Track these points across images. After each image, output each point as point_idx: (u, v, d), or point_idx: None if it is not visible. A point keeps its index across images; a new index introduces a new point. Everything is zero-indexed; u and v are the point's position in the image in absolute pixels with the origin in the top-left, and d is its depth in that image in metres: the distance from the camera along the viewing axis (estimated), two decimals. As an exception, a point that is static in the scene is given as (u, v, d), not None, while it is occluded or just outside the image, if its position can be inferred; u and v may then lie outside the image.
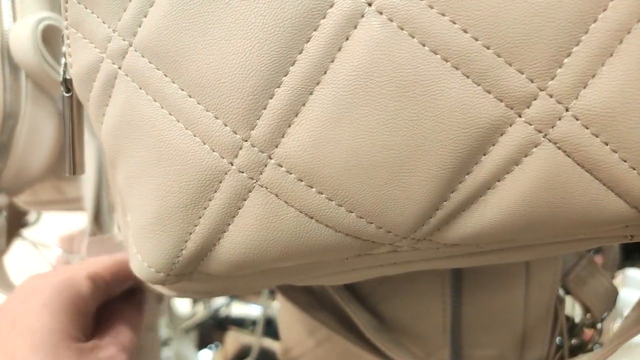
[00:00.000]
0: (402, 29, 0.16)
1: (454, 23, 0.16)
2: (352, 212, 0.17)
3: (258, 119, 0.17)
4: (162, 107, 0.18)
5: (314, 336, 0.40)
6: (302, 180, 0.17)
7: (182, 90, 0.18)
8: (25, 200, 0.56)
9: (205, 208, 0.18)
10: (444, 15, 0.16)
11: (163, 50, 0.18)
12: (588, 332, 0.39)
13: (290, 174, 0.17)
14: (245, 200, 0.18)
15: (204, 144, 0.18)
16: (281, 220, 0.18)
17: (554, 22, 0.16)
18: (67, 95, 0.22)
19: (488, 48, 0.16)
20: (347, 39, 0.16)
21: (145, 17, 0.18)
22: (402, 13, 0.16)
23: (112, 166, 0.20)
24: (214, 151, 0.18)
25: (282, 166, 0.17)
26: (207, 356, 0.78)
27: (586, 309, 0.37)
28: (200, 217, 0.18)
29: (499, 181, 0.17)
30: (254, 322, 0.95)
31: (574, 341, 0.39)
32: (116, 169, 0.20)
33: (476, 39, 0.16)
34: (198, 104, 0.17)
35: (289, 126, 0.17)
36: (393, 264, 0.23)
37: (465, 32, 0.16)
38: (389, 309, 0.36)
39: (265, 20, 0.16)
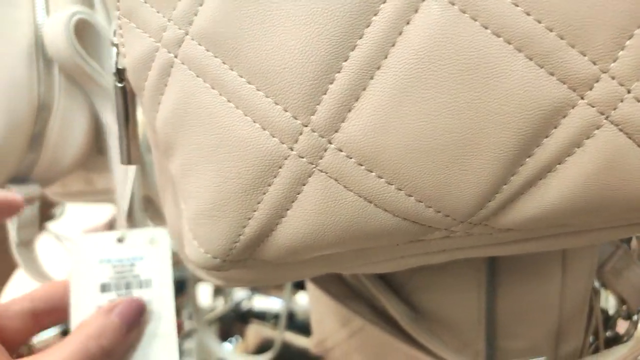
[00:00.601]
0: (464, 12, 0.16)
1: (517, 6, 0.16)
2: (411, 195, 0.18)
3: (318, 104, 0.17)
4: (220, 95, 0.18)
5: (348, 327, 0.40)
6: (362, 165, 0.17)
7: (241, 77, 0.18)
8: (54, 191, 0.57)
9: (264, 193, 0.18)
10: (507, -3, 0.16)
11: (221, 38, 0.18)
12: (623, 324, 0.38)
13: (350, 158, 0.17)
14: (304, 185, 0.18)
15: (264, 129, 0.18)
16: (340, 205, 0.18)
17: (616, 4, 0.16)
18: (120, 85, 0.22)
19: (551, 30, 0.16)
20: (408, 23, 0.16)
21: (201, 5, 0.18)
22: (464, -4, 0.16)
23: (166, 155, 0.21)
24: (273, 137, 0.18)
25: (342, 151, 0.17)
26: (227, 349, 0.78)
27: (622, 301, 0.37)
28: (259, 203, 0.19)
29: (560, 164, 0.17)
30: (275, 316, 0.96)
31: (608, 333, 0.39)
32: (171, 157, 0.20)
33: (539, 21, 0.16)
34: (258, 90, 0.18)
35: (349, 111, 0.17)
36: (442, 251, 0.23)
37: (528, 14, 0.16)
38: (424, 300, 0.36)
39: (326, 5, 0.17)
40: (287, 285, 0.74)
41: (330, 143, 0.17)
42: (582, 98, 0.16)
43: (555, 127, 0.17)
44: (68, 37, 0.40)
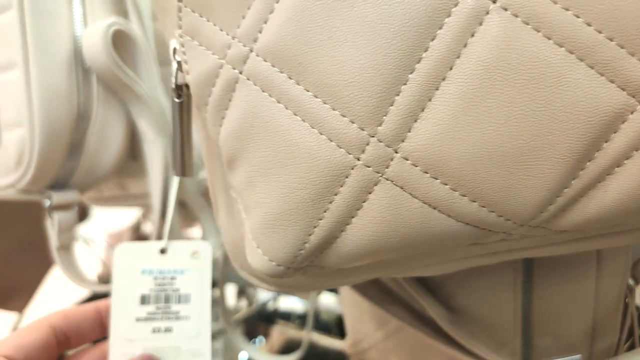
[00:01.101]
0: (527, 24, 0.17)
1: (578, 17, 0.16)
2: (474, 201, 0.18)
3: (385, 115, 0.18)
4: (286, 108, 0.19)
5: (384, 329, 0.41)
6: (427, 173, 0.18)
7: (308, 91, 0.19)
8: (89, 196, 0.58)
9: (330, 202, 0.19)
10: (567, 10, 0.16)
11: (286, 53, 0.19)
12: (658, 321, 0.39)
13: (416, 166, 0.18)
14: (370, 193, 0.19)
15: (331, 141, 0.18)
16: (405, 212, 0.19)
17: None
18: (178, 101, 0.23)
19: (611, 40, 0.16)
20: (473, 35, 0.17)
21: (266, 23, 0.19)
22: (526, 9, 0.17)
23: (229, 167, 0.21)
24: (340, 148, 0.18)
25: (408, 159, 0.18)
26: (256, 349, 0.79)
27: (656, 297, 0.37)
28: (325, 211, 0.19)
29: (618, 167, 0.18)
30: (299, 317, 0.97)
31: (643, 330, 0.39)
32: (234, 169, 0.21)
33: (600, 32, 0.16)
34: (324, 103, 0.18)
35: (416, 121, 0.18)
36: (493, 254, 0.24)
37: (589, 25, 0.16)
38: (461, 301, 0.37)
39: (391, 20, 0.17)
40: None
41: (397, 152, 0.18)
42: (641, 103, 0.17)
43: (615, 132, 0.17)
44: (106, 47, 0.41)
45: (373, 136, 0.18)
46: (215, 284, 1.15)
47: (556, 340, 0.37)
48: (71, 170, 0.47)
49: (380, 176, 0.19)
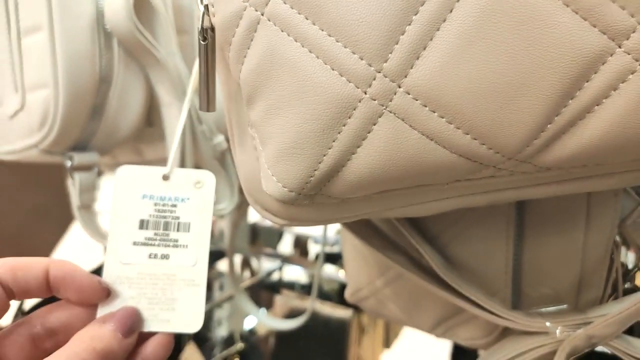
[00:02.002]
0: (520, -28, 0.18)
1: (566, -34, 0.18)
2: (468, 134, 0.20)
3: (390, 53, 0.20)
4: (303, 46, 0.21)
5: (384, 277, 0.43)
6: (426, 106, 0.20)
7: (322, 30, 0.21)
8: (105, 162, 0.60)
9: (339, 132, 0.21)
10: (557, -41, 0.18)
11: (304, -4, 0.21)
12: (641, 277, 0.41)
13: (416, 100, 0.20)
14: (375, 124, 0.21)
15: (341, 76, 0.21)
16: (405, 142, 0.21)
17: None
18: (204, 43, 0.25)
19: (595, -13, 0.18)
20: (471, -18, 0.19)
21: (286, -31, 0.21)
22: (520, -42, 0.18)
23: (248, 102, 0.24)
24: (349, 82, 0.21)
25: (409, 94, 0.20)
26: (263, 314, 0.82)
27: (641, 254, 0.40)
28: (334, 141, 0.21)
29: (597, 105, 0.20)
30: (302, 287, 1.00)
31: (627, 285, 0.41)
32: (253, 104, 0.23)
33: (585, -20, 0.18)
34: (337, 41, 0.20)
35: (418, 58, 0.20)
36: (484, 193, 0.26)
37: (576, -27, 0.18)
38: (456, 251, 0.39)
39: (399, -33, 0.19)
40: (319, 257, 0.77)
41: (400, 87, 0.20)
42: (620, 47, 0.19)
43: (595, 72, 0.19)
44: (128, 12, 0.43)
45: (379, 72, 0.20)
46: (223, 254, 1.18)
47: (544, 291, 0.40)
48: (92, 133, 0.48)
49: (384, 109, 0.21)
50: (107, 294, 0.30)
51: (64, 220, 0.81)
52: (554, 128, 0.20)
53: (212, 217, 0.32)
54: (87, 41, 0.44)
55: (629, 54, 0.19)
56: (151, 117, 0.52)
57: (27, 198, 0.74)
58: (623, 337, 0.35)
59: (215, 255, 1.12)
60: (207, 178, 0.33)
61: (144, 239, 0.32)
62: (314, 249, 1.31)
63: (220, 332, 1.13)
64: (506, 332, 0.42)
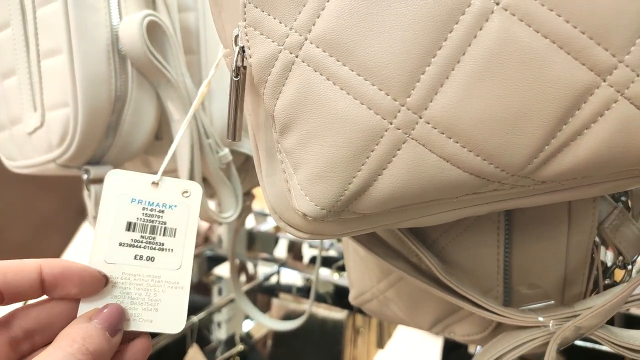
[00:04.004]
0: (521, 20, 0.21)
1: (559, 16, 0.21)
2: (478, 155, 0.23)
3: (413, 90, 0.23)
4: (334, 84, 0.24)
5: (385, 280, 0.46)
6: (443, 134, 0.23)
7: (352, 71, 0.23)
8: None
9: (367, 157, 0.24)
10: (552, 10, 0.21)
11: (336, 41, 0.23)
12: (619, 273, 0.44)
13: (435, 129, 0.23)
14: (399, 150, 0.24)
15: (370, 109, 0.23)
16: (425, 164, 0.24)
17: (628, 14, 0.21)
18: (236, 79, 0.27)
19: (584, 33, 0.21)
20: (481, 29, 0.22)
21: (319, 17, 0.24)
22: (521, 9, 0.21)
23: (282, 133, 0.26)
24: (377, 114, 0.23)
25: (429, 123, 0.23)
26: (263, 316, 0.84)
27: (618, 253, 0.43)
28: (362, 165, 0.24)
29: (587, 129, 0.23)
30: (298, 290, 1.01)
31: (607, 281, 0.45)
32: (286, 134, 0.26)
33: (575, 27, 0.21)
34: (365, 80, 0.23)
35: (436, 94, 0.23)
36: (487, 204, 0.28)
37: (567, 22, 0.21)
38: (452, 254, 0.42)
39: (419, 17, 0.22)
40: (317, 260, 0.79)
41: (421, 118, 0.23)
42: (604, 81, 0.22)
43: (585, 102, 0.22)
44: (141, 36, 0.45)
45: (403, 105, 0.23)
46: (221, 259, 1.19)
47: (533, 288, 0.43)
48: (107, 148, 0.50)
49: (407, 136, 0.23)
50: (106, 281, 0.30)
51: (69, 229, 0.81)
52: (551, 149, 0.23)
53: (197, 225, 0.33)
54: (104, 63, 0.46)
55: (611, 87, 0.22)
56: (160, 131, 0.54)
57: (34, 208, 0.75)
58: (606, 327, 0.38)
59: (213, 261, 1.13)
60: (194, 188, 0.33)
61: (131, 240, 0.31)
62: (307, 253, 1.33)
63: (221, 334, 1.14)
64: (500, 328, 0.45)
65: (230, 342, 0.93)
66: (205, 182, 0.57)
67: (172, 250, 0.32)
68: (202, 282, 1.18)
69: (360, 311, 1.27)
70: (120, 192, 0.32)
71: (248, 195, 0.78)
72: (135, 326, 0.30)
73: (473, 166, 0.24)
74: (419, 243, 0.41)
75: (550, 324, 0.38)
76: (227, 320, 1.11)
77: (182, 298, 0.31)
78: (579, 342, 0.69)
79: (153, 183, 0.33)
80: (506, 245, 0.42)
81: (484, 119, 0.22)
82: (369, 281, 0.47)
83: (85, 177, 0.50)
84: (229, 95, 0.28)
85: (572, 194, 0.28)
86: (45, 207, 0.82)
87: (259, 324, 1.35)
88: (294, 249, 1.35)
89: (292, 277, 1.10)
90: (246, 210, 0.80)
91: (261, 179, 0.31)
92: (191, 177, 0.52)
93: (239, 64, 0.27)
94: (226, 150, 0.57)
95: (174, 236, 0.32)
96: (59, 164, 0.49)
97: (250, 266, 1.25)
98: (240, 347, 0.92)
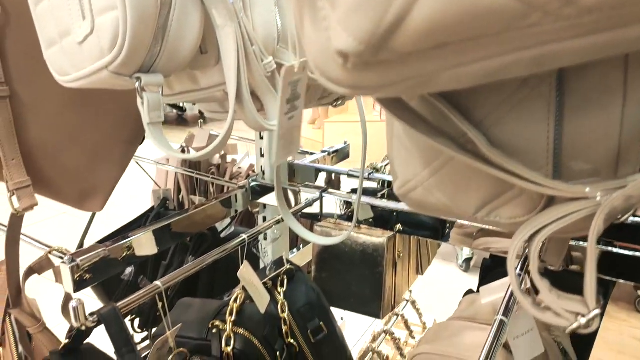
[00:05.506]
0: None
1: None
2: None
3: None
4: None
5: (430, 168, 0.45)
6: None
7: None
8: (164, 95, 0.63)
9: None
10: None
11: None
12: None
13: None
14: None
15: None
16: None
17: None
18: None
19: None
20: None
21: None
22: None
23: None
24: None
25: None
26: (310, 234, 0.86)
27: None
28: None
29: None
30: (339, 216, 1.03)
31: (664, 157, 0.42)
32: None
33: None
34: None
35: None
36: (528, 48, 0.27)
37: None
38: (499, 134, 0.41)
39: None
40: (359, 183, 0.79)
41: None
42: None
43: None
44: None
45: None
46: (265, 189, 1.22)
47: (583, 166, 0.41)
48: (155, 55, 0.51)
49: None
50: None
51: (122, 159, 0.84)
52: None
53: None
54: (149, -34, 0.46)
55: None
56: (205, 44, 0.55)
57: (87, 137, 0.77)
58: (660, 196, 0.36)
59: (257, 192, 1.15)
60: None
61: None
62: (346, 185, 1.34)
63: (267, 260, 1.18)
64: (547, 210, 0.43)
65: (277, 264, 0.96)
66: (252, 95, 0.57)
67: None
68: (248, 210, 1.22)
69: (399, 235, 1.28)
70: None
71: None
72: None
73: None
74: (466, 120, 0.39)
75: (598, 195, 0.37)
76: (273, 245, 1.14)
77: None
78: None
79: None
80: (557, 121, 0.40)
81: None
82: (412, 169, 0.46)
83: (137, 84, 0.51)
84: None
85: (622, 33, 0.26)
86: (98, 136, 0.85)
87: (301, 254, 1.39)
88: (334, 181, 1.36)
89: (332, 205, 1.11)
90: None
91: (304, 38, 0.31)
92: (239, 87, 0.52)
93: None
94: (270, 58, 0.56)
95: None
96: (111, 71, 0.50)
97: (292, 198, 1.27)
98: (287, 267, 0.95)
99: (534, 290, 0.42)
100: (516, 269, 0.41)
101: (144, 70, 0.51)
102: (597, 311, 0.34)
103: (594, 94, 0.39)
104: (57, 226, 3.30)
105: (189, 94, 0.62)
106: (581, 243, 0.82)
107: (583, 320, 0.34)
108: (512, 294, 0.74)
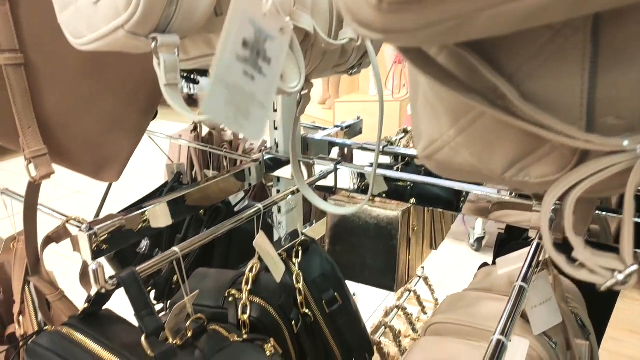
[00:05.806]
0: None
1: None
2: None
3: None
4: None
5: (457, 126, 0.43)
6: None
7: None
8: (180, 60, 0.62)
9: None
10: None
11: None
12: None
13: None
14: None
15: None
16: None
17: None
18: None
19: None
20: None
21: None
22: None
23: None
24: None
25: None
26: (325, 204, 0.85)
27: None
28: None
29: None
30: (354, 190, 1.03)
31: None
32: None
33: None
34: None
35: None
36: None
37: None
38: (531, 88, 0.39)
39: None
40: (375, 156, 0.78)
41: None
42: None
43: None
44: None
45: None
46: (279, 162, 1.21)
47: (618, 120, 0.39)
48: (171, 15, 0.49)
49: None
50: None
51: (136, 129, 0.83)
52: None
53: (283, 60, 0.40)
54: None
55: None
56: (219, 6, 0.53)
57: (101, 106, 0.76)
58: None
59: (271, 166, 1.15)
60: (289, 28, 0.37)
61: (243, 57, 0.37)
62: (359, 159, 1.33)
63: (281, 232, 1.17)
64: (579, 167, 0.42)
65: (292, 235, 0.96)
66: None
67: (266, 76, 0.38)
68: (262, 184, 1.21)
69: (413, 209, 1.27)
70: (243, 11, 0.39)
71: (308, 83, 0.77)
72: (231, 126, 0.38)
73: None
74: (496, 72, 0.38)
75: (638, 147, 0.35)
76: (287, 219, 1.14)
77: (265, 117, 0.38)
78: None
79: (264, 13, 0.38)
80: (591, 74, 0.38)
81: None
82: (439, 128, 0.45)
83: (153, 45, 0.50)
84: None
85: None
86: (113, 105, 0.84)
87: (314, 230, 1.38)
88: (347, 156, 1.35)
89: (346, 180, 1.10)
90: (305, 98, 0.80)
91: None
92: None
93: None
94: (287, 19, 0.55)
95: (270, 65, 0.38)
96: (127, 31, 0.49)
97: (304, 170, 1.27)
98: (301, 238, 0.95)
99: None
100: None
101: (159, 31, 0.50)
102: (635, 267, 0.33)
103: (630, 46, 0.37)
104: (72, 205, 3.32)
105: (205, 59, 0.61)
106: (603, 213, 0.80)
107: (620, 277, 0.33)
108: (530, 263, 0.73)
